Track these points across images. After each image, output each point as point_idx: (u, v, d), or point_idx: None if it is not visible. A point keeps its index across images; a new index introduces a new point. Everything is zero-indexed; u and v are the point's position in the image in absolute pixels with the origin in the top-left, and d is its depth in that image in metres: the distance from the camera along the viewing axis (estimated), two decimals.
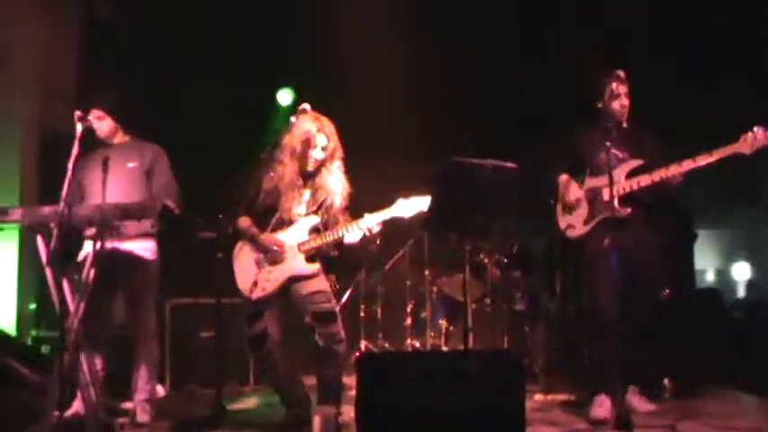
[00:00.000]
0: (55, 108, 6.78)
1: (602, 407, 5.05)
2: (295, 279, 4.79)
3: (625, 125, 5.35)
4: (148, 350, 5.27)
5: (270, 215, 4.90)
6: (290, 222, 4.84)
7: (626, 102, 5.29)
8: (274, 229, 4.86)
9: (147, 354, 5.26)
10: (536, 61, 8.10)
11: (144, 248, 5.23)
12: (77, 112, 4.69)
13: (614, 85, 5.22)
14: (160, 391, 5.79)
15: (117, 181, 5.03)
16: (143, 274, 5.24)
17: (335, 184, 4.92)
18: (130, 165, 5.23)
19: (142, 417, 5.13)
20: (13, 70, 6.86)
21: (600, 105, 5.36)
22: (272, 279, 4.78)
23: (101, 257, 4.61)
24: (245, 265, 4.87)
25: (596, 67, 5.50)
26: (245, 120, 8.31)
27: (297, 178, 4.88)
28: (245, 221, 4.92)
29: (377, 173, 5.56)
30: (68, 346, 4.39)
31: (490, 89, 8.40)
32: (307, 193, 4.92)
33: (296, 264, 4.78)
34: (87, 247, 4.98)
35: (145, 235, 5.21)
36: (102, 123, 5.27)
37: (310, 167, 4.90)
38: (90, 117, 5.07)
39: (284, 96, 8.94)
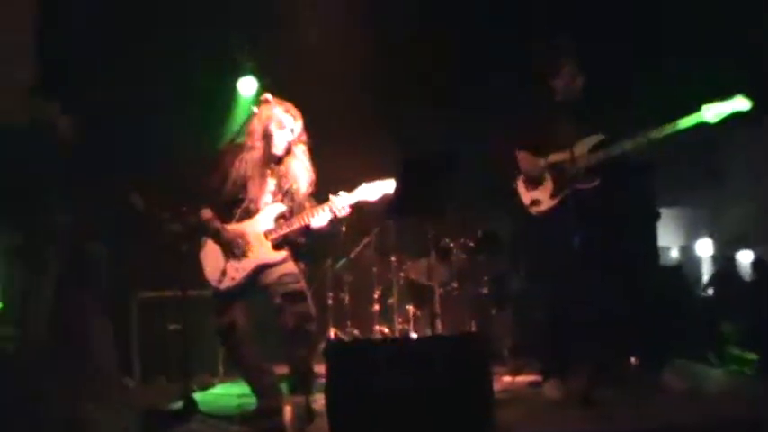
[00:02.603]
0: None
1: (555, 387, 5.14)
2: (263, 267, 4.77)
3: (578, 100, 5.21)
4: None
5: (236, 205, 4.86)
6: (257, 211, 4.82)
7: (579, 80, 5.20)
8: (241, 219, 4.83)
9: None
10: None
11: None
12: None
13: (566, 61, 5.18)
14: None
15: None
16: None
17: (300, 170, 4.92)
18: None
19: None
20: None
21: (552, 82, 5.30)
22: (240, 268, 4.74)
23: None
24: (212, 255, 4.82)
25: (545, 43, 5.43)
26: (203, 108, 8.22)
27: (264, 165, 4.87)
28: (207, 213, 4.85)
29: (336, 161, 5.54)
30: None
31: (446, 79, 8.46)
32: (271, 182, 4.90)
33: (263, 252, 4.77)
34: None
35: None
36: None
37: (280, 151, 4.88)
38: None
39: (247, 85, 8.86)
